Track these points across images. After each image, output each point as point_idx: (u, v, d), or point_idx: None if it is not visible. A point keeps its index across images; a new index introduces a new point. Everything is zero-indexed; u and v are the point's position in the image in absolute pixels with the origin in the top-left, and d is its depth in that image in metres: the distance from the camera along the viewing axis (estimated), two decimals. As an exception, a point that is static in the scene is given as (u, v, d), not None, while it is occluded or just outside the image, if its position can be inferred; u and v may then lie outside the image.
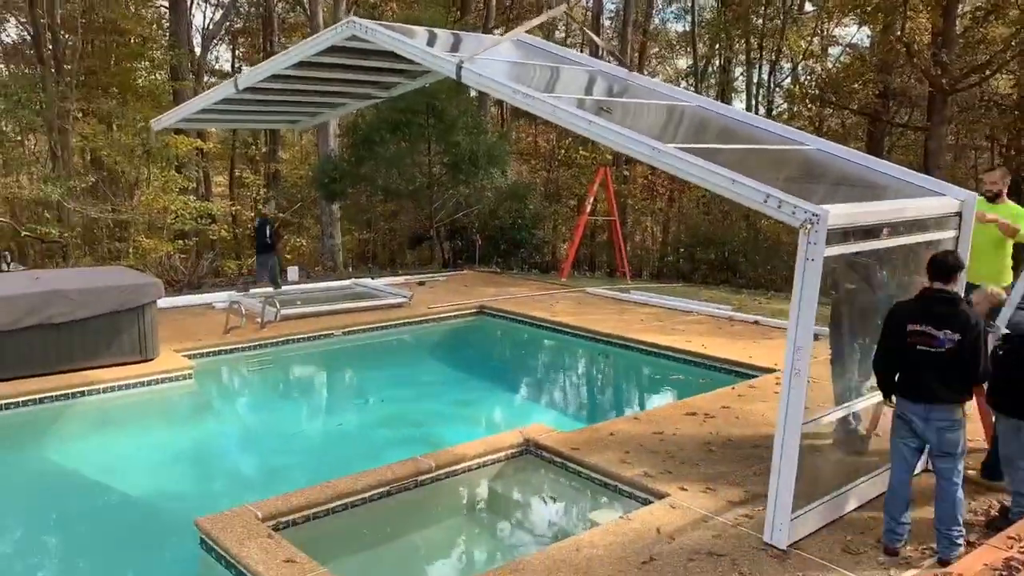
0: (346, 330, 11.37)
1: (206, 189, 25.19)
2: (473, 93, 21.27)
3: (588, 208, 17.39)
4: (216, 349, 10.20)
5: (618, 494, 6.08)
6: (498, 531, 6.36)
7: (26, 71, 21.39)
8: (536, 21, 8.16)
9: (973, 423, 5.94)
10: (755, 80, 26.92)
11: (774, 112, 25.08)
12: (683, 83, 27.98)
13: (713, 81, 28.29)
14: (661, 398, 9.92)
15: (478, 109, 21.74)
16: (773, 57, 25.59)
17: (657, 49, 31.88)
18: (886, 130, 22.00)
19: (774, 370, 8.76)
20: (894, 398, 5.01)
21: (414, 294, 13.13)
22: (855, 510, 5.48)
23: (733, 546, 4.97)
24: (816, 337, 4.72)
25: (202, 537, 5.17)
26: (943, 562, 4.77)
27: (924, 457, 5.22)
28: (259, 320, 11.02)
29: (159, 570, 5.55)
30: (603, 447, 6.61)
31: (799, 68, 25.22)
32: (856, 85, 20.27)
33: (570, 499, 6.56)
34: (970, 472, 6.14)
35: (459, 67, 6.44)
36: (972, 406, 5.85)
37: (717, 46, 27.29)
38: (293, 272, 16.99)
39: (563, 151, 25.74)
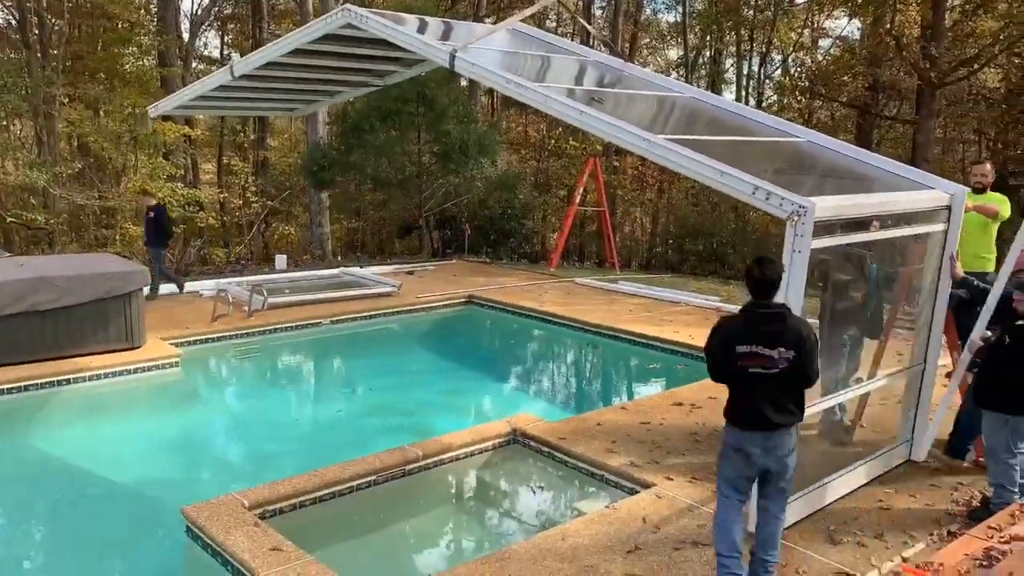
0: (334, 319, 11.35)
1: (194, 176, 24.98)
2: (463, 82, 21.21)
3: (578, 198, 17.39)
4: (203, 337, 10.15)
5: (604, 483, 6.12)
6: (485, 520, 6.38)
7: (11, 56, 21.09)
8: (531, 10, 8.16)
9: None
10: (745, 72, 26.94)
11: (764, 104, 25.08)
12: (674, 74, 27.90)
13: (704, 72, 28.27)
14: (648, 388, 9.96)
15: (468, 98, 21.67)
16: (763, 49, 25.59)
17: (648, 40, 31.80)
18: (875, 123, 22.07)
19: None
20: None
21: (403, 283, 13.11)
22: (838, 500, 5.52)
23: (718, 535, 4.99)
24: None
25: (188, 525, 5.16)
26: None
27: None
28: (247, 308, 10.97)
29: (146, 558, 5.53)
30: (590, 437, 6.64)
31: (789, 60, 25.24)
32: (846, 78, 20.32)
33: (557, 488, 6.59)
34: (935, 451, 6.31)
35: (452, 56, 6.42)
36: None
37: (708, 37, 27.27)
38: (281, 260, 16.93)
39: (553, 141, 25.69)
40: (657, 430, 6.87)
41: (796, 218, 4.47)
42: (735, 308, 11.79)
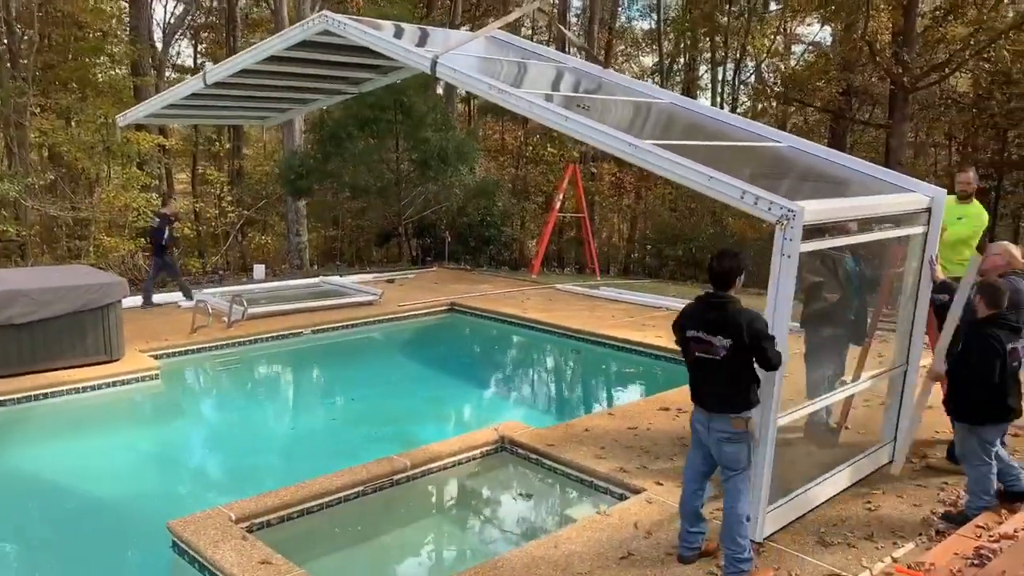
0: (315, 328, 11.25)
1: (168, 186, 24.73)
2: (440, 90, 21.18)
3: (558, 205, 17.41)
4: (183, 349, 10.03)
5: (594, 490, 6.11)
6: (476, 529, 6.34)
7: (-20, 65, 20.76)
8: (510, 17, 8.16)
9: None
10: (720, 78, 27.17)
11: (739, 109, 25.31)
12: (649, 80, 28.09)
13: (679, 79, 28.48)
14: (634, 393, 9.97)
15: (445, 105, 21.64)
16: (738, 55, 25.82)
17: (623, 47, 31.99)
18: (848, 127, 22.33)
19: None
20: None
21: (384, 291, 13.04)
22: (827, 502, 5.55)
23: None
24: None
25: (174, 540, 5.08)
26: None
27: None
28: (226, 319, 10.85)
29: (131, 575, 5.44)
30: (578, 443, 6.63)
31: (763, 66, 25.49)
32: (820, 83, 20.54)
33: (547, 495, 6.57)
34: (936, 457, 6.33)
35: (434, 62, 6.40)
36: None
37: (682, 44, 27.48)
38: (259, 270, 16.76)
39: (531, 148, 25.72)
40: (644, 435, 6.87)
41: (785, 222, 4.49)
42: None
